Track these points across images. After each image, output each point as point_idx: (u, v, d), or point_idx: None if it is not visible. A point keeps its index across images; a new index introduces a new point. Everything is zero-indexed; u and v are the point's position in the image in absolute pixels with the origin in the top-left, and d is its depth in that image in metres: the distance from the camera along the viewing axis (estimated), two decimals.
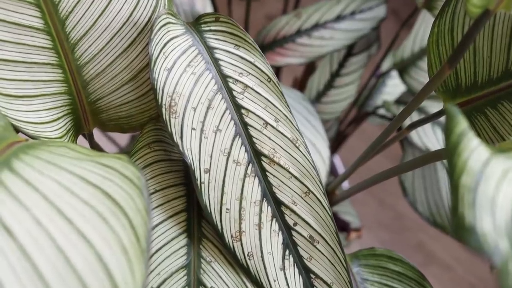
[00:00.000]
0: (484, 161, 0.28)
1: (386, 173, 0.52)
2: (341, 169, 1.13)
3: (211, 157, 0.44)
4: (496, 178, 0.28)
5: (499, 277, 0.23)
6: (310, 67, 0.97)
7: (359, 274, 0.54)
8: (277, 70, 0.96)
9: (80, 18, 0.46)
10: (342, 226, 0.87)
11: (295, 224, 0.45)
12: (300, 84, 0.97)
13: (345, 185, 1.07)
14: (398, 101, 0.88)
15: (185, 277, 0.43)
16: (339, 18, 0.77)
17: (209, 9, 0.81)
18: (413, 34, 0.87)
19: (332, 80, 0.89)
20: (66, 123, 0.48)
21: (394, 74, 0.97)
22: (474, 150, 0.29)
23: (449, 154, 0.29)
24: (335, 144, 1.02)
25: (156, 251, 0.43)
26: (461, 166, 0.28)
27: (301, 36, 0.76)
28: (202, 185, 0.43)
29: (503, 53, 0.46)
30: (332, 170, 1.06)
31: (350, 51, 0.88)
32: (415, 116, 0.77)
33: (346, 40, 0.76)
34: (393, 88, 0.96)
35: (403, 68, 0.85)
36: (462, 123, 0.30)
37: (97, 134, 0.55)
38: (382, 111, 0.92)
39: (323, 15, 0.77)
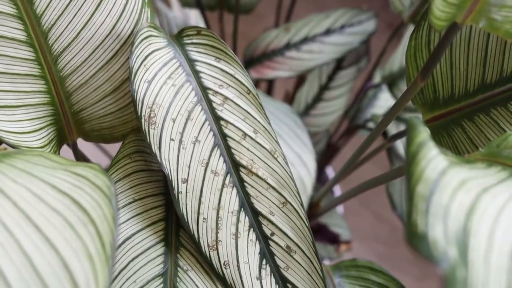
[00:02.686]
0: (441, 171, 0.29)
1: (370, 182, 0.53)
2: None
3: (189, 167, 0.45)
4: (452, 188, 0.28)
5: (445, 284, 0.24)
6: (301, 81, 0.98)
7: (341, 285, 0.54)
8: (269, 83, 0.97)
9: (63, 31, 0.46)
10: (332, 238, 0.88)
11: (272, 234, 0.46)
12: (291, 98, 0.98)
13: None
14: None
15: (162, 285, 0.44)
16: (328, 31, 0.78)
17: (201, 24, 0.82)
18: (401, 47, 0.88)
19: (321, 93, 0.89)
20: (49, 133, 0.49)
21: (386, 87, 0.98)
22: (432, 159, 0.29)
23: (408, 163, 0.29)
24: (327, 156, 1.03)
25: (133, 259, 0.44)
26: (418, 175, 0.28)
27: (290, 50, 0.77)
28: (180, 195, 0.44)
29: (479, 66, 0.46)
30: (325, 182, 1.06)
31: (339, 64, 0.89)
32: (401, 127, 0.78)
33: (335, 54, 0.76)
34: (385, 101, 0.97)
35: (392, 82, 0.86)
36: (422, 134, 0.31)
37: (88, 144, 0.56)
38: (371, 124, 0.93)
39: (312, 29, 0.78)
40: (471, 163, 0.34)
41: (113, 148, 0.50)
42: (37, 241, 0.29)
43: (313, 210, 0.67)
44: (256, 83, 0.99)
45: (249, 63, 0.79)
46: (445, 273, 0.24)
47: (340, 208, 1.05)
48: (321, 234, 0.89)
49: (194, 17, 0.84)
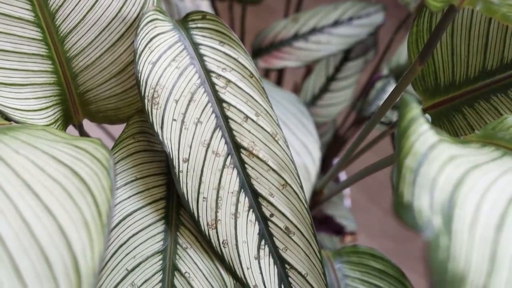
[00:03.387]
0: (431, 145, 0.29)
1: (371, 167, 0.53)
2: (341, 173, 1.14)
3: (190, 147, 0.45)
4: (441, 162, 0.29)
5: (429, 252, 0.24)
6: (309, 72, 0.98)
7: (341, 271, 0.54)
8: (279, 75, 0.98)
9: (70, 12, 0.47)
10: (337, 230, 0.88)
11: (272, 215, 0.46)
12: (300, 89, 0.99)
13: (346, 191, 1.08)
14: (394, 107, 0.89)
15: (161, 262, 0.44)
16: (336, 23, 0.78)
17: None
18: None
19: (327, 84, 0.90)
20: (55, 112, 0.50)
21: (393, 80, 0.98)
22: (423, 134, 0.30)
23: (399, 137, 0.30)
24: (335, 148, 1.03)
25: (133, 235, 0.44)
26: (407, 148, 0.29)
27: (298, 40, 0.78)
28: (180, 174, 0.45)
29: (480, 53, 0.47)
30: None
31: (346, 56, 0.89)
32: None
33: (343, 45, 0.77)
34: None
35: (399, 74, 0.86)
36: (414, 110, 0.31)
37: (93, 126, 0.57)
38: None
39: (321, 20, 0.78)
40: (465, 143, 0.35)
41: (118, 131, 0.51)
42: (36, 209, 0.30)
43: (317, 198, 0.67)
44: (266, 74, 1.00)
45: (258, 53, 0.80)
46: (428, 241, 0.24)
47: (347, 202, 1.05)
48: (327, 225, 0.89)
49: (205, 8, 0.85)
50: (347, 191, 1.07)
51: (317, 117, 0.88)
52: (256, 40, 0.80)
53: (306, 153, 0.67)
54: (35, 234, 0.29)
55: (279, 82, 0.98)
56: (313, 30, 0.78)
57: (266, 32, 0.79)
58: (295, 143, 0.66)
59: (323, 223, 0.89)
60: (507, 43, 0.45)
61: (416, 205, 0.26)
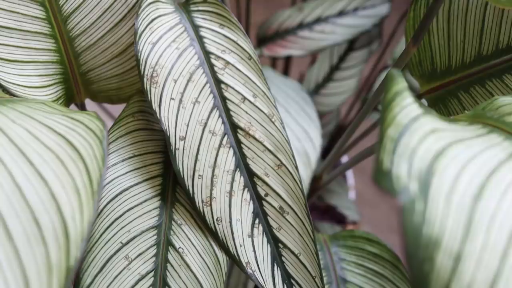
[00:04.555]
0: (414, 117, 0.30)
1: (366, 150, 0.53)
2: (345, 160, 1.14)
3: (187, 126, 0.46)
4: (422, 133, 0.29)
5: (403, 215, 0.25)
6: (314, 62, 0.99)
7: (337, 254, 0.55)
8: (285, 66, 0.98)
9: None
10: (339, 219, 0.89)
11: (266, 194, 0.47)
12: (284, 71, 0.99)
13: (351, 183, 1.08)
14: None
15: (155, 237, 0.45)
16: (341, 13, 0.79)
17: None
18: None
19: (331, 73, 0.90)
20: (57, 90, 0.51)
21: None
22: (406, 106, 0.30)
23: (383, 110, 0.30)
24: (339, 138, 1.04)
25: (129, 210, 0.45)
26: (390, 119, 0.29)
27: (302, 29, 0.78)
28: (177, 151, 0.45)
29: (475, 38, 0.47)
30: (337, 166, 1.07)
31: (351, 46, 0.89)
32: None
33: (347, 35, 0.77)
34: None
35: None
36: (400, 84, 0.32)
37: (95, 107, 0.58)
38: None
39: (326, 10, 0.79)
40: (452, 120, 0.35)
41: (119, 112, 0.52)
42: (29, 174, 0.31)
43: (316, 183, 0.68)
44: (273, 63, 1.00)
45: (262, 41, 0.80)
46: (404, 205, 0.25)
47: (352, 194, 1.05)
48: (329, 214, 0.90)
49: None
50: (351, 182, 1.08)
51: (320, 105, 0.89)
52: (261, 29, 0.81)
53: (307, 139, 0.67)
54: (27, 198, 0.30)
55: (285, 71, 0.98)
56: (318, 20, 0.78)
57: (271, 21, 0.80)
58: (297, 129, 0.67)
59: (326, 213, 0.90)
60: (502, 28, 0.46)
61: (394, 172, 0.26)
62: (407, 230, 0.24)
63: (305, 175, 0.64)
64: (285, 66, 0.97)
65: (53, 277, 0.29)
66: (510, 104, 0.37)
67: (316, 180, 0.67)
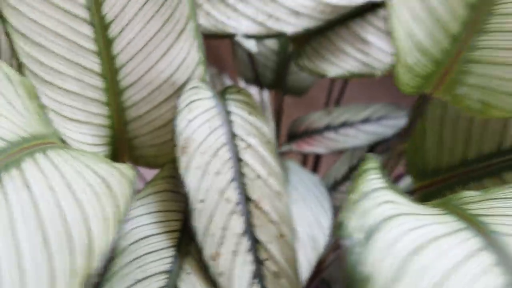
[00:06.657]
0: (375, 188, 0.37)
1: None
2: None
3: (207, 191, 0.54)
4: (379, 201, 0.37)
5: (345, 254, 0.32)
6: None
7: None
8: (316, 161, 1.06)
9: (130, 71, 0.59)
10: None
11: (266, 259, 0.54)
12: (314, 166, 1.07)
13: None
14: None
15: (166, 280, 0.52)
16: (365, 120, 0.88)
17: (258, 100, 0.94)
18: None
19: (350, 172, 0.98)
20: (105, 150, 0.61)
21: None
22: (370, 180, 0.38)
23: (352, 182, 0.38)
24: None
25: (147, 253, 0.53)
26: (355, 188, 0.37)
27: (329, 131, 0.87)
28: (196, 211, 0.53)
29: (462, 144, 0.55)
30: None
31: (372, 150, 0.97)
32: None
33: (368, 141, 0.86)
34: None
35: None
36: (370, 163, 0.39)
37: None
38: None
39: (352, 116, 0.88)
40: (414, 200, 0.42)
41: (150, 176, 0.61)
42: (70, 200, 0.40)
43: (320, 266, 0.74)
44: (304, 159, 1.09)
45: (292, 137, 0.90)
46: (347, 247, 0.32)
47: None
48: None
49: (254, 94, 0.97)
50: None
51: (336, 200, 0.96)
52: (292, 125, 0.90)
53: (318, 226, 0.74)
54: (66, 218, 0.38)
55: (315, 167, 1.07)
56: (344, 124, 0.87)
57: (302, 120, 0.90)
58: (310, 217, 0.74)
59: None
60: (485, 138, 0.53)
61: (345, 223, 0.34)
62: (346, 267, 0.31)
63: (312, 259, 0.70)
64: (315, 161, 1.06)
65: (76, 279, 0.37)
66: (471, 196, 0.44)
67: (320, 263, 0.73)
